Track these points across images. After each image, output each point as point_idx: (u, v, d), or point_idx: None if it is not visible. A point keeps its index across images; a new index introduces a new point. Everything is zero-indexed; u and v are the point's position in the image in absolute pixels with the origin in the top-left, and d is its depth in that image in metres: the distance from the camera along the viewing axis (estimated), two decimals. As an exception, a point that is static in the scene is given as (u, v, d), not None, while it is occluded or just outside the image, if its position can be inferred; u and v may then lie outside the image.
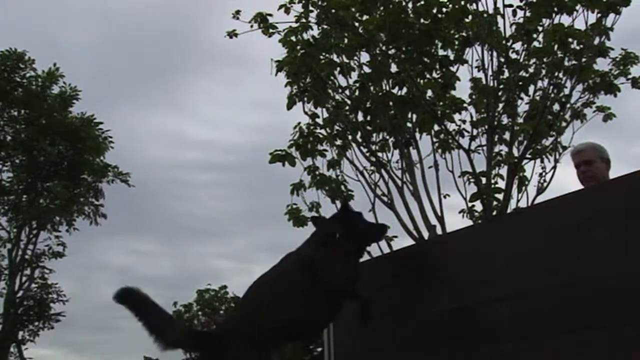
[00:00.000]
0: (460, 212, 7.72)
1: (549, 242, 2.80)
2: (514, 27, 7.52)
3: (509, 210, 7.36)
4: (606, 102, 7.96)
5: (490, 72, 7.56)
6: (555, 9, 7.42)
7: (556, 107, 7.73)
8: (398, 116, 7.74)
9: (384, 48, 7.83)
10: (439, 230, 7.32)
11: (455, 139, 7.62)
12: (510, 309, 2.89)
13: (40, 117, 17.13)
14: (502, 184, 7.53)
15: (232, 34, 8.04)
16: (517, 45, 7.59)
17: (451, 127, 7.69)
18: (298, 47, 7.92)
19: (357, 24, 7.86)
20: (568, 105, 7.75)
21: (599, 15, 7.35)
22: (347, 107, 8.04)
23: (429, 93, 7.76)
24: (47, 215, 17.31)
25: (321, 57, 7.99)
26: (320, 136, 8.04)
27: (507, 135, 7.61)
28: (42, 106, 17.10)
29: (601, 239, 2.59)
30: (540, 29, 7.54)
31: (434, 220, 7.41)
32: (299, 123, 8.02)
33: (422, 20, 7.69)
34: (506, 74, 7.62)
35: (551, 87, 7.65)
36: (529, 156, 7.63)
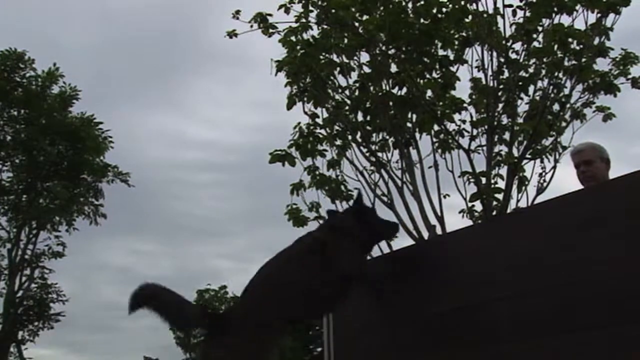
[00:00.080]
0: (460, 212, 7.74)
1: (549, 242, 2.80)
2: (513, 27, 7.53)
3: (508, 210, 7.36)
4: (606, 102, 7.98)
5: (490, 72, 7.57)
6: (555, 9, 7.43)
7: (556, 107, 7.73)
8: (398, 116, 7.74)
9: (383, 48, 7.83)
10: (438, 230, 7.32)
11: (455, 139, 7.62)
12: (510, 309, 2.88)
13: (40, 117, 17.14)
14: (502, 184, 7.54)
15: (232, 34, 8.04)
16: (517, 45, 7.60)
17: (451, 127, 7.71)
18: (298, 47, 7.92)
19: (357, 24, 7.86)
20: (568, 105, 7.75)
21: (598, 15, 7.36)
22: (347, 107, 8.04)
23: (429, 93, 7.77)
24: (47, 215, 17.32)
25: (321, 57, 7.99)
26: (320, 136, 8.04)
27: (507, 135, 7.61)
28: (42, 106, 17.12)
29: (601, 239, 2.58)
30: (540, 29, 7.55)
31: (433, 220, 7.42)
32: (299, 123, 8.03)
33: (422, 20, 7.70)
34: (506, 74, 7.62)
35: (551, 87, 7.65)
36: (529, 156, 7.63)
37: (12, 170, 17.70)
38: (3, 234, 17.53)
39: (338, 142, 8.05)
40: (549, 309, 2.72)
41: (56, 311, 18.07)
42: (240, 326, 2.87)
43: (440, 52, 7.81)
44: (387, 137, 7.90)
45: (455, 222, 8.25)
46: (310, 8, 7.93)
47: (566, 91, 7.65)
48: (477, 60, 7.71)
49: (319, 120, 8.01)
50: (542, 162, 7.73)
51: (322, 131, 8.05)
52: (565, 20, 7.46)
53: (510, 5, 7.44)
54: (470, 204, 7.57)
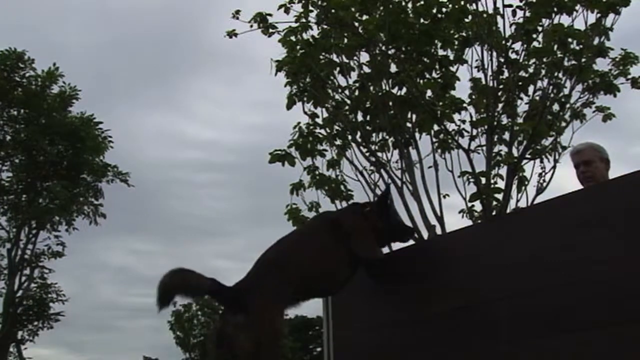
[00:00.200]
0: (459, 212, 7.72)
1: (549, 242, 2.81)
2: (513, 27, 7.51)
3: (508, 210, 7.36)
4: (606, 102, 7.97)
5: (490, 72, 7.56)
6: (555, 9, 7.42)
7: (556, 107, 7.72)
8: (398, 116, 7.74)
9: (383, 48, 7.83)
10: (438, 230, 7.32)
11: (455, 139, 7.61)
12: (510, 309, 2.89)
13: (39, 116, 17.15)
14: (501, 184, 7.52)
15: (231, 34, 8.03)
16: (517, 45, 7.58)
17: (451, 127, 7.69)
18: (298, 47, 7.91)
19: (357, 24, 7.86)
20: (568, 106, 7.74)
21: (598, 15, 7.35)
22: (346, 107, 8.03)
23: (429, 93, 7.76)
24: (46, 215, 17.32)
25: (321, 57, 7.98)
26: (320, 136, 8.03)
27: (506, 136, 7.60)
28: (42, 106, 17.13)
29: (601, 239, 2.59)
30: (540, 29, 7.54)
31: (433, 220, 7.41)
32: (299, 123, 8.01)
33: (422, 20, 7.69)
34: (506, 74, 7.61)
35: (551, 87, 7.64)
36: (529, 156, 7.62)
37: (11, 170, 17.71)
38: (3, 233, 17.56)
39: (338, 142, 8.04)
40: (549, 309, 2.72)
41: (56, 311, 18.11)
42: (257, 296, 2.96)
43: (440, 52, 7.80)
44: (387, 137, 7.89)
45: (455, 222, 8.25)
46: (310, 8, 7.92)
47: (566, 91, 7.64)
48: (477, 60, 7.70)
49: (319, 120, 8.00)
50: (541, 162, 7.73)
51: (322, 131, 8.04)
52: (565, 20, 7.46)
53: (510, 5, 7.43)
54: (469, 204, 7.56)
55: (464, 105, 7.75)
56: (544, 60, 7.60)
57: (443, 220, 7.42)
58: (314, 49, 7.87)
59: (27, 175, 17.52)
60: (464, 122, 7.74)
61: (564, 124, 7.84)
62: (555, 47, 7.48)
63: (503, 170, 7.59)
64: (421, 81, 7.77)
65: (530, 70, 7.67)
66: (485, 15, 7.48)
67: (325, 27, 7.97)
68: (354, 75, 8.02)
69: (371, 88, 7.88)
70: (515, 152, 7.50)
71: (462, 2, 7.52)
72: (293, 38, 7.90)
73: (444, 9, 7.61)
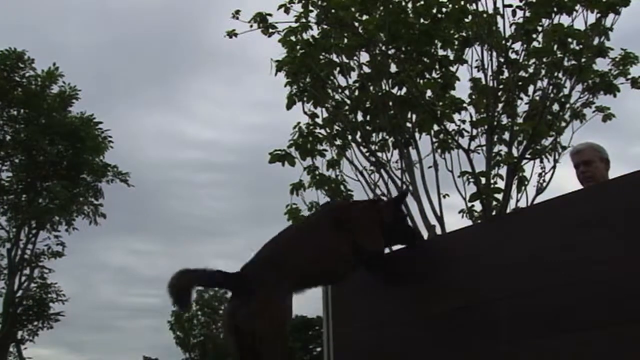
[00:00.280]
0: (459, 212, 7.73)
1: (549, 242, 2.81)
2: (513, 27, 7.52)
3: (508, 210, 7.36)
4: (606, 102, 7.97)
5: (489, 72, 7.56)
6: (555, 9, 7.42)
7: (556, 107, 7.73)
8: (398, 116, 7.74)
9: (383, 48, 7.83)
10: (438, 230, 7.32)
11: (455, 139, 7.62)
12: (510, 309, 2.89)
13: (39, 116, 17.15)
14: (501, 184, 7.53)
15: (231, 34, 8.04)
16: (517, 45, 7.58)
17: (451, 127, 7.69)
18: (298, 47, 7.92)
19: (357, 24, 7.86)
20: (567, 106, 7.75)
21: (598, 15, 7.35)
22: (346, 107, 8.03)
23: (429, 93, 7.76)
24: (46, 215, 17.32)
25: (321, 57, 7.98)
26: (320, 136, 8.03)
27: (506, 136, 7.60)
28: (42, 106, 17.13)
29: (601, 239, 2.59)
30: (539, 29, 7.54)
31: (433, 220, 7.41)
32: (299, 123, 8.01)
33: (422, 20, 7.69)
34: (506, 74, 7.61)
35: (551, 87, 7.65)
36: (529, 156, 7.62)
37: (11, 170, 17.71)
38: (3, 233, 17.56)
39: (338, 142, 8.05)
40: (549, 309, 2.72)
41: (56, 311, 18.10)
42: (264, 284, 3.01)
43: (440, 52, 7.80)
44: (387, 137, 7.89)
45: (455, 222, 8.26)
46: (310, 8, 7.92)
47: (566, 91, 7.64)
48: (476, 60, 7.70)
49: (319, 120, 8.00)
50: (541, 162, 7.73)
51: (322, 131, 8.04)
52: (565, 20, 7.47)
53: (510, 5, 7.43)
54: (469, 204, 7.56)
55: (464, 105, 7.75)
56: (544, 60, 7.61)
57: (443, 220, 7.43)
58: (314, 49, 7.87)
59: (27, 175, 17.52)
60: (464, 122, 7.75)
61: (563, 124, 7.84)
62: (555, 47, 7.49)
63: (503, 170, 7.60)
64: (421, 81, 7.77)
65: (530, 70, 7.67)
66: (485, 15, 7.48)
67: (325, 27, 7.98)
68: (354, 75, 8.04)
69: (371, 88, 7.88)
70: (515, 152, 7.50)
71: (462, 2, 7.53)
72: (293, 38, 7.90)
73: (444, 9, 7.61)
